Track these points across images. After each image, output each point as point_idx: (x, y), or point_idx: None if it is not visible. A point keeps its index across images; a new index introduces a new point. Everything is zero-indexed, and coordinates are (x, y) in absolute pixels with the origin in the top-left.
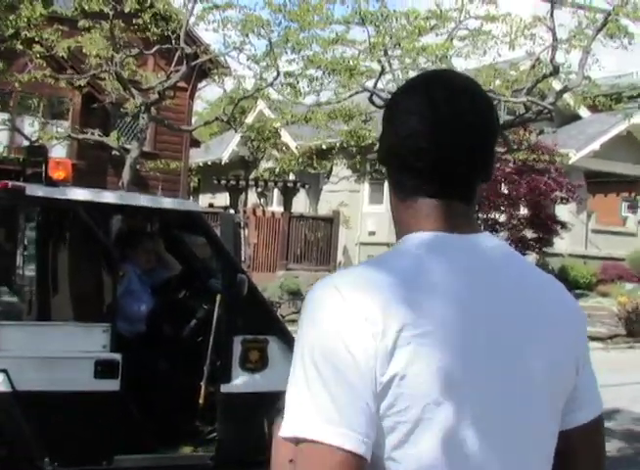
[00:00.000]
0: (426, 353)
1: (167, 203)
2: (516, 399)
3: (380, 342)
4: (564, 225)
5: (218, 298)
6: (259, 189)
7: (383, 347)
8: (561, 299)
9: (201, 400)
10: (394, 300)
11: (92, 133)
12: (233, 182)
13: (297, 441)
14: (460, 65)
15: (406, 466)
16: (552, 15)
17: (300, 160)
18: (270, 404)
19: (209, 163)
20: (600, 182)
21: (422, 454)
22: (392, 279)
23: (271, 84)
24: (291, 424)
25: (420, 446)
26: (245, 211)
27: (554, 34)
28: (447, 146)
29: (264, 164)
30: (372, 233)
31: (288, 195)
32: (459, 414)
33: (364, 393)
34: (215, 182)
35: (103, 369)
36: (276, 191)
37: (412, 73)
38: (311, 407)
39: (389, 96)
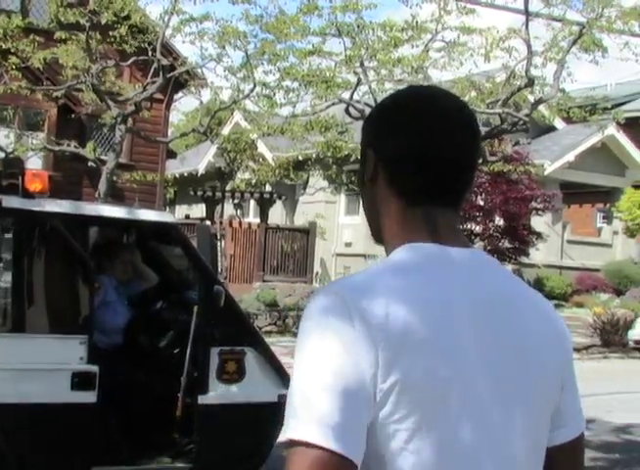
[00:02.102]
0: (425, 363)
1: (144, 214)
2: (509, 410)
3: (381, 350)
4: (539, 236)
5: (195, 309)
6: (236, 200)
7: (384, 355)
8: (548, 316)
9: (178, 412)
10: (396, 308)
11: (68, 145)
12: (209, 193)
13: (290, 443)
14: (436, 76)
15: None
16: (527, 27)
17: (277, 171)
18: (246, 415)
19: (185, 174)
20: (575, 193)
21: (422, 461)
22: (395, 288)
23: (248, 96)
24: (287, 427)
25: (419, 454)
26: (221, 223)
27: (529, 47)
28: (456, 154)
29: (240, 176)
30: (348, 244)
31: (264, 206)
32: (457, 422)
33: (363, 400)
34: (192, 193)
35: (80, 381)
36: (252, 202)
37: (388, 85)
38: (308, 412)
39: (367, 107)
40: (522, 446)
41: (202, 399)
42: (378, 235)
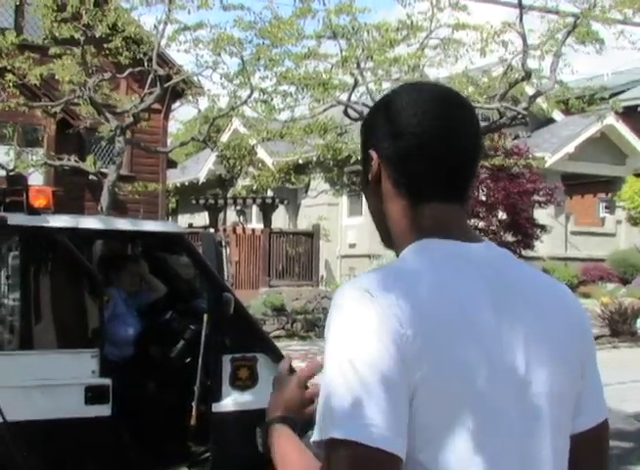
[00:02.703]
0: (453, 356)
1: (150, 225)
2: (534, 400)
3: (411, 344)
4: (543, 228)
5: (205, 317)
6: (238, 207)
7: (415, 350)
8: (568, 304)
9: (192, 421)
10: (420, 304)
11: (68, 159)
12: (211, 201)
13: (333, 442)
14: (432, 74)
15: (434, 467)
16: (521, 20)
17: (278, 176)
18: (261, 422)
19: (187, 183)
20: (576, 184)
21: (449, 456)
22: (417, 284)
23: (245, 102)
24: (329, 426)
25: (447, 448)
26: (224, 230)
27: (524, 40)
28: (459, 148)
29: (242, 182)
30: (352, 245)
31: (267, 211)
32: (483, 417)
33: (399, 395)
34: (194, 202)
35: (93, 395)
36: (255, 208)
37: (385, 85)
38: (351, 409)
39: (365, 108)
40: (547, 434)
41: (216, 408)
42: (387, 237)
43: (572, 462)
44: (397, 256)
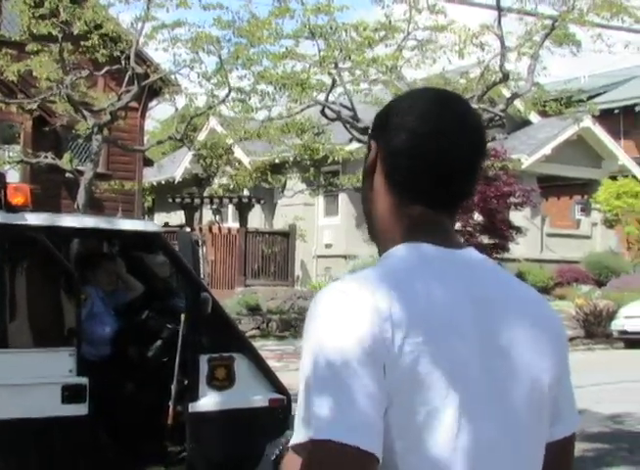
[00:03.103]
0: (428, 363)
1: (128, 224)
2: (511, 409)
3: (390, 347)
4: (519, 230)
5: (182, 317)
6: (214, 206)
7: (393, 352)
8: (543, 311)
9: (169, 421)
10: (400, 310)
11: (45, 157)
12: (188, 200)
13: (311, 443)
14: (410, 75)
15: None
16: (499, 23)
17: (254, 175)
18: (238, 421)
19: (163, 181)
20: (552, 186)
21: (427, 460)
22: (397, 290)
23: (223, 101)
24: (306, 427)
25: (424, 453)
26: (200, 229)
27: (502, 42)
28: (456, 159)
29: (218, 181)
30: (328, 245)
31: (243, 211)
32: (460, 422)
33: (376, 396)
34: (170, 201)
35: (70, 394)
36: (231, 207)
37: (363, 85)
38: (327, 410)
39: (343, 108)
40: (526, 442)
41: (192, 407)
42: (372, 231)
43: (545, 468)
44: (379, 250)
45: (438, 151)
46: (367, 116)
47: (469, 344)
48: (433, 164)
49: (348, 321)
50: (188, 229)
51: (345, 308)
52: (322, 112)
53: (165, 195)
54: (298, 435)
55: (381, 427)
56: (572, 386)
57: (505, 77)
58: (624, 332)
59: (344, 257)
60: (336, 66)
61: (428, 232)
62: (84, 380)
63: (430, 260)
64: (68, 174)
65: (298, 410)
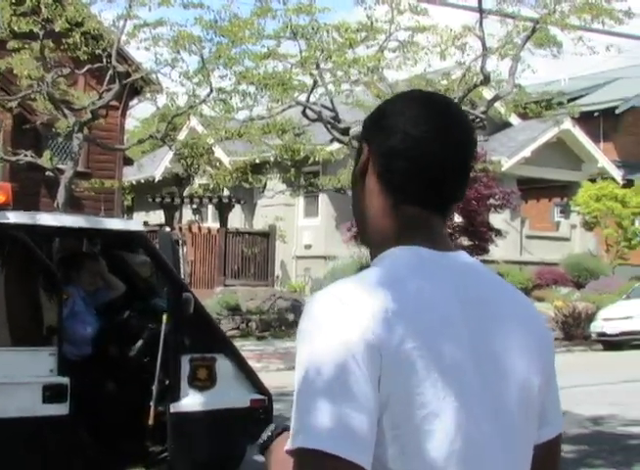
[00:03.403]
0: (424, 367)
1: (112, 223)
2: (502, 411)
3: (384, 354)
4: (498, 232)
5: (164, 317)
6: (194, 205)
7: (386, 360)
8: (531, 314)
9: (150, 421)
10: (395, 314)
11: (25, 155)
12: (168, 199)
13: (299, 451)
14: (391, 76)
15: None
16: (481, 24)
17: (234, 175)
18: (220, 421)
19: (142, 180)
20: (532, 188)
21: (423, 465)
22: (392, 294)
23: (204, 101)
24: (294, 435)
25: (420, 457)
26: (180, 228)
27: (484, 44)
28: (449, 161)
29: (198, 181)
30: (308, 246)
31: (223, 211)
32: (456, 424)
33: (369, 404)
34: (150, 200)
35: (51, 394)
36: (210, 207)
37: (345, 86)
38: (316, 418)
39: (324, 109)
40: (518, 445)
41: (174, 407)
42: (363, 234)
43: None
44: (371, 253)
45: (431, 153)
46: (348, 116)
47: (462, 347)
48: (425, 167)
49: (342, 328)
50: (168, 229)
51: (339, 315)
52: (303, 112)
53: (145, 194)
54: (290, 440)
55: (372, 438)
56: (558, 387)
57: (486, 79)
58: (603, 334)
59: (324, 257)
60: (317, 66)
61: (421, 234)
62: (65, 380)
63: (423, 264)
64: (47, 173)
65: (293, 416)
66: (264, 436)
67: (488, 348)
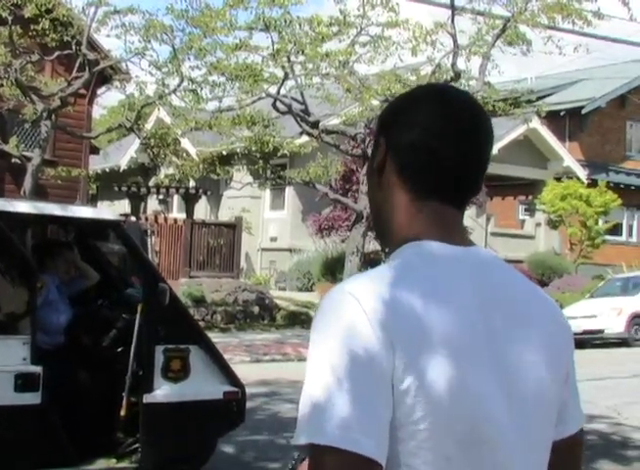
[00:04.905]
0: (441, 363)
1: (86, 212)
2: (521, 407)
3: (398, 351)
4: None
5: (139, 307)
6: (160, 196)
7: (401, 355)
8: (553, 311)
9: (123, 411)
10: (411, 309)
11: None
12: (134, 189)
13: (312, 448)
14: (362, 70)
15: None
16: (453, 21)
17: (201, 166)
18: (192, 413)
19: (107, 169)
20: (498, 185)
21: (438, 462)
22: (407, 289)
23: (174, 91)
24: (307, 431)
25: (437, 454)
26: (146, 218)
27: (455, 40)
28: (468, 154)
29: (164, 171)
30: (274, 239)
31: (189, 201)
32: (473, 422)
33: (383, 400)
34: (116, 189)
35: (23, 382)
36: (176, 197)
37: (316, 79)
38: (329, 414)
39: (294, 102)
40: (534, 442)
41: (147, 398)
42: (380, 229)
43: (553, 467)
44: (389, 248)
45: (449, 147)
46: (318, 110)
47: (478, 349)
48: (444, 161)
49: (355, 323)
50: (134, 218)
51: (353, 310)
52: (273, 104)
53: (110, 183)
54: (300, 436)
55: (386, 433)
56: (576, 384)
57: (457, 76)
58: None
59: (290, 250)
60: (289, 59)
61: (439, 229)
62: (38, 369)
63: (440, 259)
64: (14, 160)
65: (302, 410)
66: (292, 461)
67: (509, 346)
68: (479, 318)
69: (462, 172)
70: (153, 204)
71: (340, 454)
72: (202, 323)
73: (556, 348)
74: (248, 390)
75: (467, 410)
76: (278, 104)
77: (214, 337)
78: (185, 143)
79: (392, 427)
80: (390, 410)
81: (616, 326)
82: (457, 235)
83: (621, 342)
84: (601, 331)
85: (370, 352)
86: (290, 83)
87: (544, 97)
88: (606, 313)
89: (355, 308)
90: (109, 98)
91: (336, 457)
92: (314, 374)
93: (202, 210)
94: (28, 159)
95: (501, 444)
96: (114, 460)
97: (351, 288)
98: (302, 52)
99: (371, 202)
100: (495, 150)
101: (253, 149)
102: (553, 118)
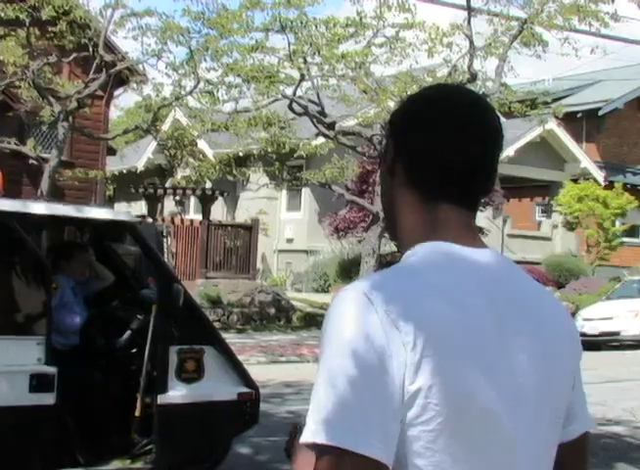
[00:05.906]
0: (451, 365)
1: (102, 213)
2: (529, 410)
3: (410, 351)
4: (480, 231)
5: (154, 308)
6: (177, 197)
7: (412, 356)
8: (560, 313)
9: (137, 412)
10: (424, 310)
11: (8, 142)
12: (151, 190)
13: (318, 447)
14: (379, 71)
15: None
16: (469, 23)
17: (218, 167)
18: (207, 414)
19: (125, 171)
20: (514, 187)
21: (446, 463)
22: (420, 290)
23: (191, 92)
24: (314, 430)
25: (444, 455)
26: (163, 220)
27: (471, 42)
28: (477, 155)
29: (181, 172)
30: (290, 240)
31: (206, 203)
32: (482, 423)
33: (392, 401)
34: (133, 191)
35: (38, 383)
36: (193, 199)
37: (332, 81)
38: (337, 414)
39: (310, 103)
40: (540, 445)
41: (161, 399)
42: (393, 229)
43: (559, 468)
44: (399, 250)
45: (459, 149)
46: (334, 111)
47: (489, 352)
48: (454, 163)
49: (367, 323)
50: (151, 220)
51: (365, 310)
52: (289, 106)
53: (127, 184)
54: (307, 434)
55: (395, 434)
56: (583, 387)
57: (473, 77)
58: (583, 334)
59: (306, 251)
60: (305, 60)
61: (450, 230)
62: (53, 369)
63: (451, 260)
64: (31, 161)
65: (312, 409)
66: (287, 439)
67: (520, 349)
68: (489, 320)
69: (471, 173)
70: (169, 205)
71: (348, 456)
72: (218, 324)
73: (564, 351)
74: (263, 391)
75: (476, 412)
76: (294, 105)
77: (230, 338)
78: (202, 144)
79: (401, 427)
80: (400, 411)
81: (632, 328)
82: (468, 236)
83: (638, 344)
84: (617, 333)
85: (381, 353)
86: (306, 85)
87: (561, 98)
88: (622, 315)
89: (367, 308)
90: (125, 99)
91: (342, 458)
92: (324, 373)
93: (218, 211)
94: (46, 160)
95: (509, 446)
96: (128, 461)
97: (364, 288)
98: (319, 53)
99: (383, 203)
100: (512, 151)
101: (270, 150)
102: (570, 120)
